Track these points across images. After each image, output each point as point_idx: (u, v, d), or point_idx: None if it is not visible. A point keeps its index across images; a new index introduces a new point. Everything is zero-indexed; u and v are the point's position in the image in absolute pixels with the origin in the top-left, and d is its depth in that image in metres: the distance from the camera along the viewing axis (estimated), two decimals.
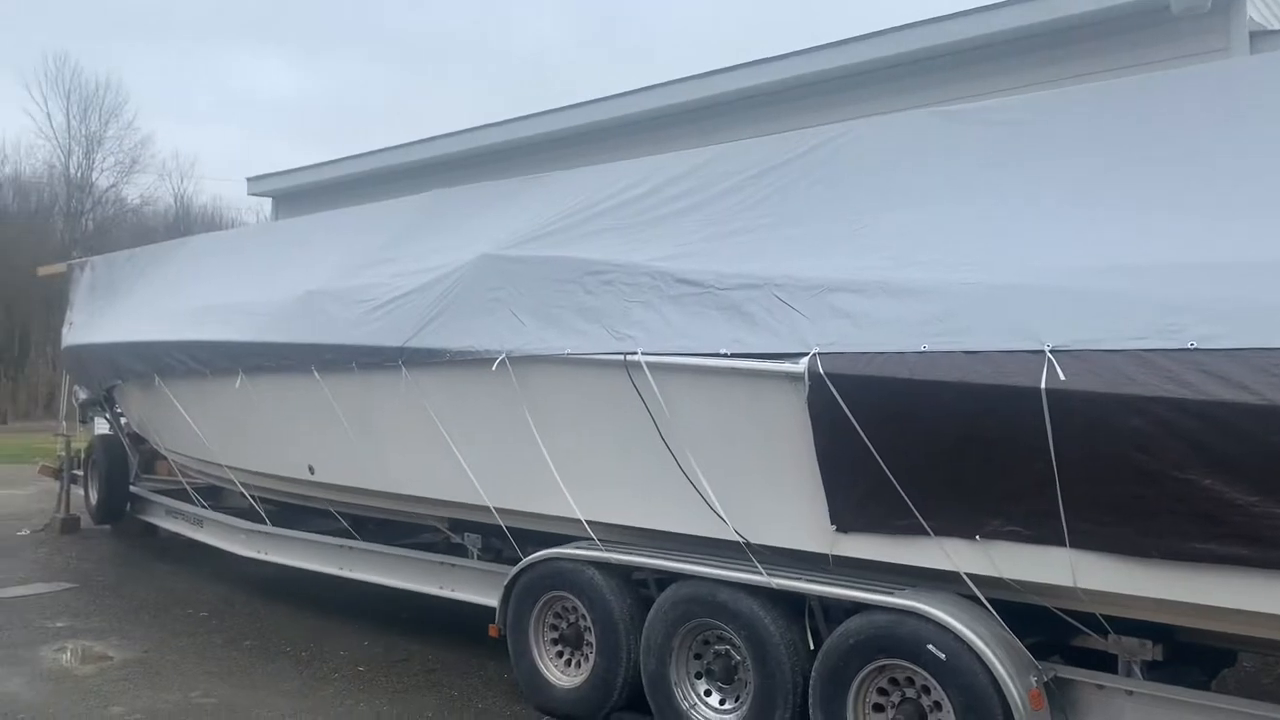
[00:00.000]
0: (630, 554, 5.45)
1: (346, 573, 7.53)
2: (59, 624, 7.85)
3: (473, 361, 5.82)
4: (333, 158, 15.38)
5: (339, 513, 7.75)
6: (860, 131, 5.38)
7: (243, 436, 8.03)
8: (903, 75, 9.41)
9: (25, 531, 12.05)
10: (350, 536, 7.66)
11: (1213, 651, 4.59)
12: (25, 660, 6.85)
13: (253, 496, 8.39)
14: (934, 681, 4.28)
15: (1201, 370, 3.52)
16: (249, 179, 16.60)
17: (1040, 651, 4.40)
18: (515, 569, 5.91)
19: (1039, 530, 3.96)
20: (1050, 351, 3.81)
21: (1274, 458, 3.39)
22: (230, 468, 8.35)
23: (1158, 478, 3.61)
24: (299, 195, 15.84)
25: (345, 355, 6.60)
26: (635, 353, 5.09)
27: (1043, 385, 3.77)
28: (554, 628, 5.83)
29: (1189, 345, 3.58)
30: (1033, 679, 4.17)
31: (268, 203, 17.55)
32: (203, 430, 8.41)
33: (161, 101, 66.51)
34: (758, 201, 5.33)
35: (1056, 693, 4.25)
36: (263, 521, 8.38)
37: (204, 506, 9.54)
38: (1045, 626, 4.42)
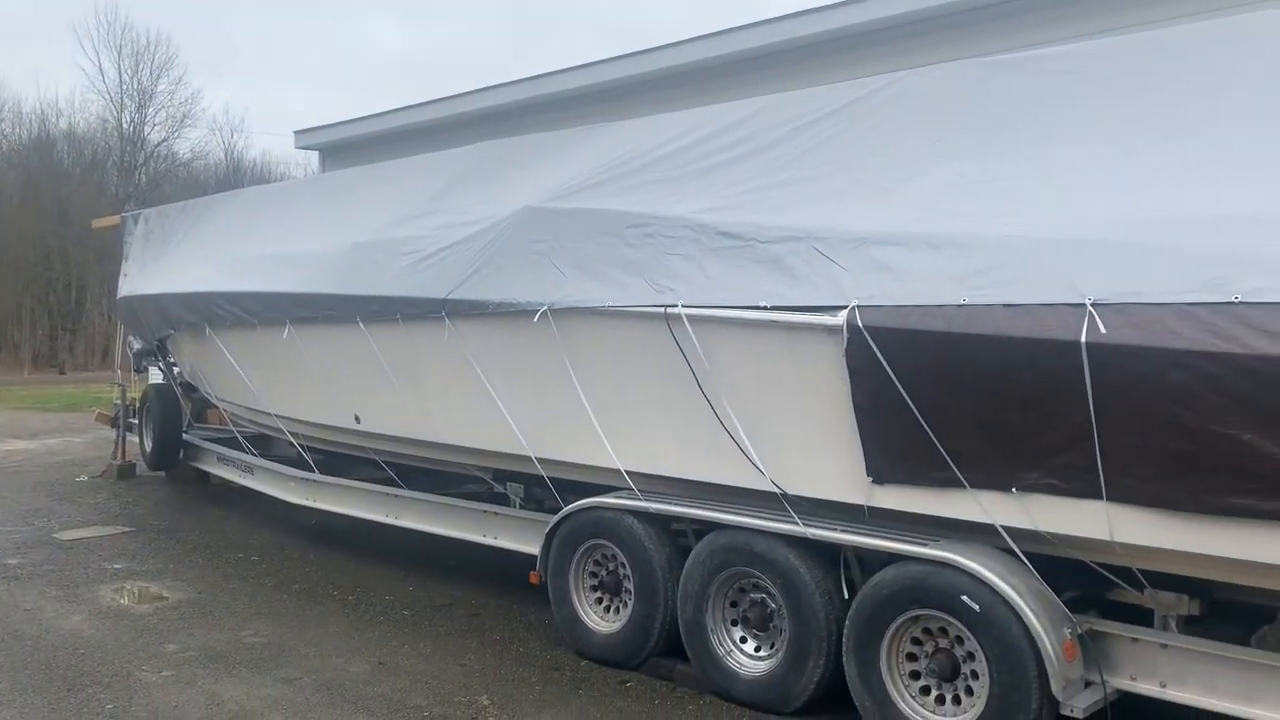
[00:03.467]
0: (669, 504, 5.52)
1: (393, 520, 7.70)
2: (116, 565, 8.12)
3: (515, 313, 5.87)
4: (381, 110, 15.45)
5: (385, 462, 7.90)
6: (907, 83, 5.30)
7: (291, 386, 8.19)
8: (959, 24, 9.28)
9: (83, 478, 12.44)
10: (396, 485, 7.82)
11: (1252, 608, 4.56)
12: (85, 599, 7.10)
13: (301, 445, 8.57)
14: (968, 632, 4.32)
15: (1246, 324, 3.48)
16: (296, 132, 16.73)
17: (1078, 606, 4.42)
18: (556, 518, 6.01)
19: (1076, 484, 3.95)
20: (1091, 305, 3.78)
21: None
22: (279, 416, 8.53)
23: (1198, 432, 3.59)
24: (347, 148, 15.95)
25: (390, 307, 6.69)
26: (675, 305, 5.11)
27: (1083, 339, 3.75)
28: (594, 575, 5.94)
29: (1234, 299, 3.53)
30: (1067, 631, 4.19)
31: (315, 157, 17.69)
32: (252, 379, 8.59)
33: (226, 56, 67.18)
34: (802, 153, 5.29)
35: (1091, 646, 4.26)
36: (311, 469, 8.56)
37: (254, 454, 9.76)
38: (1082, 580, 4.43)
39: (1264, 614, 4.76)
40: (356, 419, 7.50)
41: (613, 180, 5.98)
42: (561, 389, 5.75)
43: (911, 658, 4.57)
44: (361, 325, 6.89)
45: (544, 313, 5.68)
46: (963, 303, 4.11)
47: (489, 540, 6.90)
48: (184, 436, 11.52)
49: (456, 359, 6.31)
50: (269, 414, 8.68)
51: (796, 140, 5.38)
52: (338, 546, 8.69)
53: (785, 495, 4.91)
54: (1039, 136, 4.59)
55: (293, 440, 8.64)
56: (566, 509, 5.97)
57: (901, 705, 4.55)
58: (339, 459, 8.64)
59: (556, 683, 5.54)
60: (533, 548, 6.26)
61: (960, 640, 4.39)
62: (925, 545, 4.47)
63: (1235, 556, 3.76)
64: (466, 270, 6.24)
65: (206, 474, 11.34)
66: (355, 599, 7.18)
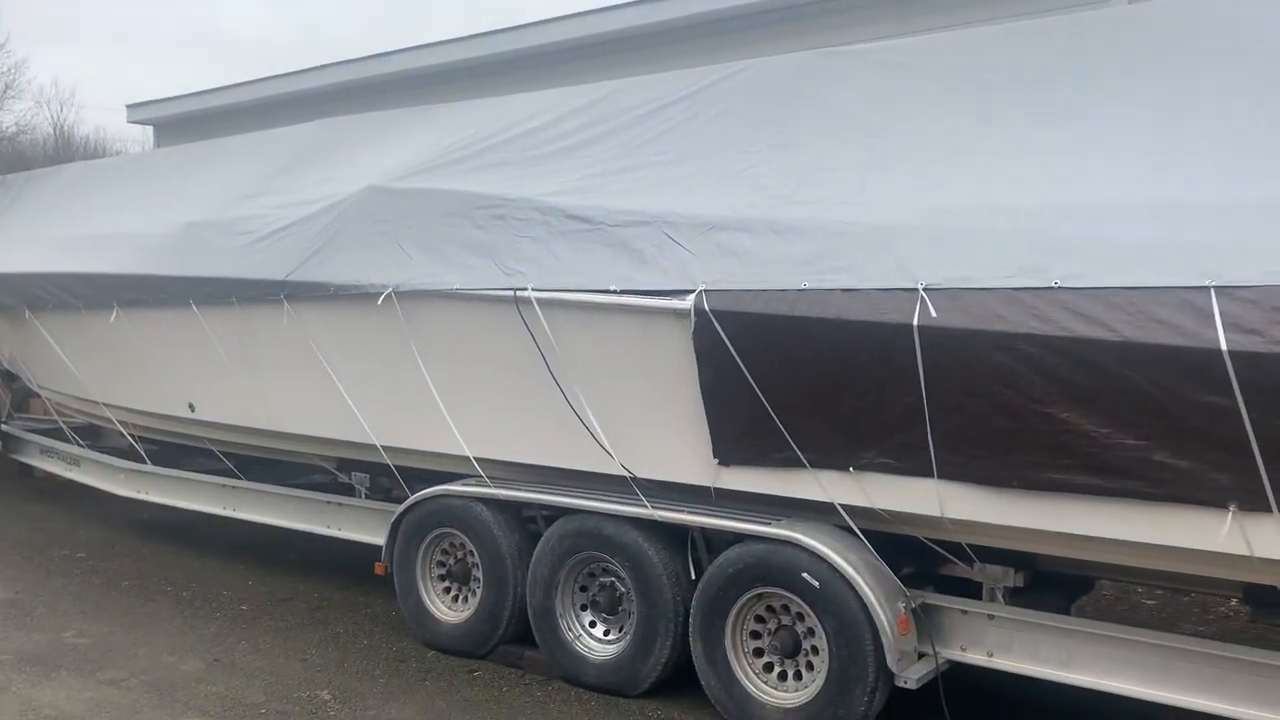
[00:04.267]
0: (518, 490, 5.46)
1: (230, 513, 7.38)
2: None
3: (358, 296, 5.70)
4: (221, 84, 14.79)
5: (222, 452, 7.56)
6: (752, 72, 5.38)
7: (120, 373, 7.74)
8: (814, 14, 9.52)
9: None
10: (234, 477, 7.50)
11: (1071, 579, 4.84)
12: None
13: (132, 435, 8.13)
14: (808, 609, 4.42)
15: (1064, 308, 3.65)
16: (128, 106, 15.85)
17: (914, 582, 4.57)
18: (402, 506, 5.87)
19: (909, 462, 4.09)
20: (923, 290, 3.91)
21: (1127, 391, 3.55)
22: (108, 405, 8.05)
23: (1019, 411, 3.75)
24: (184, 124, 15.21)
25: (225, 289, 6.39)
26: (525, 288, 5.05)
27: (915, 322, 3.88)
28: (441, 564, 5.82)
29: (1054, 284, 3.70)
30: (901, 605, 4.33)
31: (151, 133, 16.81)
32: (78, 367, 8.08)
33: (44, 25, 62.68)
34: (652, 138, 5.31)
35: (924, 618, 4.42)
36: (142, 461, 8.13)
37: (81, 446, 9.21)
38: (917, 556, 4.59)
39: (1082, 585, 5.07)
40: (191, 407, 7.15)
41: (461, 160, 5.87)
42: (407, 374, 5.60)
43: (755, 635, 4.65)
44: (195, 308, 6.57)
45: (389, 295, 5.52)
46: (804, 287, 4.20)
47: (332, 532, 6.68)
48: (3, 428, 10.75)
49: (296, 343, 6.07)
50: (97, 403, 8.18)
51: (645, 125, 5.40)
52: (173, 542, 8.27)
53: (635, 479, 4.92)
54: (879, 127, 4.72)
55: (123, 430, 8.19)
56: (413, 497, 5.84)
57: (745, 683, 4.63)
58: (174, 450, 8.22)
59: (402, 674, 5.41)
60: (378, 538, 6.10)
61: (801, 617, 4.50)
62: (768, 524, 4.54)
63: (1054, 529, 3.95)
64: (307, 251, 6.02)
65: (30, 468, 10.59)
66: (190, 595, 6.85)
